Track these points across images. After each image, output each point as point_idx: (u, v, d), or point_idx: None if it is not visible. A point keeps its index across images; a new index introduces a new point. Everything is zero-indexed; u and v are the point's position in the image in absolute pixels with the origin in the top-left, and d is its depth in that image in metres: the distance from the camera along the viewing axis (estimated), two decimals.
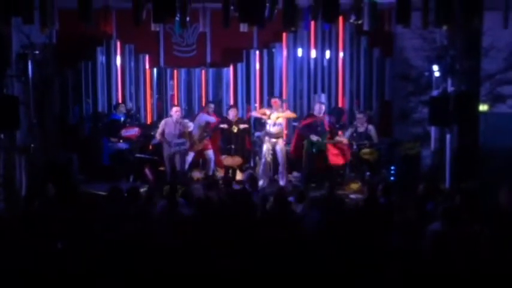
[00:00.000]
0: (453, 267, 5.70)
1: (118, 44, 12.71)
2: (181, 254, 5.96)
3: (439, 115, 10.29)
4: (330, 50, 12.69)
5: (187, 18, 9.42)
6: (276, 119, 11.40)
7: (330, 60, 12.74)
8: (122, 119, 12.13)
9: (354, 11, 9.36)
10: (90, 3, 8.92)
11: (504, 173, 9.56)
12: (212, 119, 11.82)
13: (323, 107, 11.58)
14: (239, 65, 12.85)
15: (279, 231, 6.56)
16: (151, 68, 12.95)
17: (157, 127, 11.83)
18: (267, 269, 5.56)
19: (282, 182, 11.32)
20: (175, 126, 11.27)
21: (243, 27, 9.72)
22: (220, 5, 9.41)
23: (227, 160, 11.76)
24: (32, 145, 10.55)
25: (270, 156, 11.45)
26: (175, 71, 12.92)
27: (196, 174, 11.70)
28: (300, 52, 12.72)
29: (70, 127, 12.51)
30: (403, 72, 12.41)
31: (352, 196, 10.55)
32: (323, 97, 12.41)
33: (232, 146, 11.69)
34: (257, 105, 12.81)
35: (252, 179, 9.57)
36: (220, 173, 11.87)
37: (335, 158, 11.32)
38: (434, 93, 11.10)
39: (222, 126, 11.77)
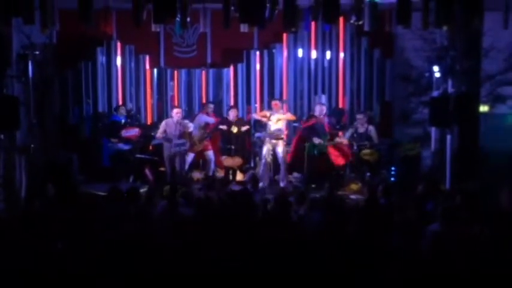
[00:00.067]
0: (452, 268, 5.69)
1: (118, 44, 12.72)
2: (182, 254, 5.96)
3: (439, 116, 10.30)
4: (331, 50, 12.70)
5: (188, 19, 9.42)
6: (277, 121, 11.40)
7: (330, 60, 12.74)
8: (123, 121, 12.14)
9: (354, 11, 9.35)
10: (91, 3, 8.92)
11: (504, 173, 9.56)
12: (211, 119, 11.82)
13: (324, 108, 11.59)
14: (239, 66, 12.85)
15: (279, 231, 6.55)
16: (151, 68, 12.95)
17: (157, 127, 11.84)
18: (268, 269, 5.55)
19: (282, 183, 11.33)
20: (175, 127, 11.27)
21: (244, 28, 9.72)
22: (221, 6, 9.40)
23: (227, 161, 11.77)
24: (32, 145, 10.54)
25: (270, 157, 11.45)
26: (175, 72, 12.93)
27: (196, 175, 11.70)
28: (300, 53, 12.73)
29: (70, 127, 12.51)
30: (403, 73, 12.41)
31: (353, 197, 10.54)
32: (323, 98, 12.41)
33: (232, 147, 11.70)
34: (257, 105, 12.81)
35: (254, 180, 9.60)
36: (220, 174, 11.88)
37: (336, 158, 11.32)
38: (435, 94, 11.10)
39: (221, 127, 11.78)
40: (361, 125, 11.50)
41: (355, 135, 11.47)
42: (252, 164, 12.43)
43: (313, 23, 12.01)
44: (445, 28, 9.75)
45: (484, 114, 10.89)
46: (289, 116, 11.82)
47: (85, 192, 10.57)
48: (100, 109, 12.68)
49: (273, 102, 11.66)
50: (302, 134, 11.56)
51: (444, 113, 10.20)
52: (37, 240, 6.34)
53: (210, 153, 11.77)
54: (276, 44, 12.76)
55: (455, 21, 9.27)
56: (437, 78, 11.14)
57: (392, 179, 11.39)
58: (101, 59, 12.66)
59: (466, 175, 9.98)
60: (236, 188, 10.77)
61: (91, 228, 6.96)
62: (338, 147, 11.35)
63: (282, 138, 11.49)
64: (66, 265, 5.74)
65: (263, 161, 11.49)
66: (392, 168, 11.54)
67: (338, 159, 11.31)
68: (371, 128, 11.51)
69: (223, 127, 11.75)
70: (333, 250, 6.03)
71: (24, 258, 5.82)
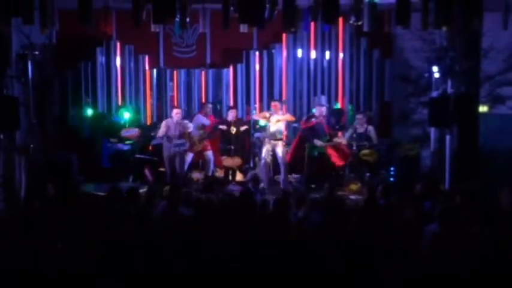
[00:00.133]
0: (452, 268, 5.70)
1: (118, 44, 12.72)
2: (182, 254, 5.96)
3: (438, 116, 10.30)
4: (330, 51, 12.70)
5: (187, 19, 9.42)
6: (276, 122, 11.40)
7: (329, 61, 12.74)
8: (122, 121, 12.15)
9: (353, 12, 9.35)
10: (90, 3, 8.92)
11: (504, 173, 9.57)
12: (206, 121, 11.79)
13: (323, 109, 11.58)
14: (239, 66, 12.85)
15: (279, 231, 6.56)
16: (151, 68, 12.96)
17: (157, 128, 11.85)
18: (268, 270, 5.56)
19: (282, 184, 11.33)
20: (175, 128, 11.27)
21: (243, 28, 9.72)
22: (220, 6, 9.40)
23: (227, 161, 11.77)
24: (32, 145, 10.54)
25: (270, 157, 11.45)
26: (175, 72, 12.93)
27: (196, 175, 11.70)
28: (299, 53, 12.73)
29: (70, 127, 12.51)
30: (402, 73, 12.41)
31: (352, 197, 10.54)
32: (323, 99, 12.39)
33: (232, 147, 11.70)
34: (257, 106, 12.81)
35: (255, 179, 9.63)
36: (220, 174, 11.89)
37: (335, 159, 11.33)
38: (434, 94, 11.11)
39: (221, 127, 11.78)
40: (361, 125, 11.51)
41: (354, 135, 11.48)
42: (252, 164, 12.43)
43: (312, 24, 12.01)
44: (444, 29, 9.76)
45: (484, 114, 10.89)
46: (289, 117, 11.81)
47: (85, 193, 10.57)
48: (100, 109, 12.67)
49: (273, 103, 11.65)
50: (302, 135, 11.56)
51: (444, 114, 10.20)
52: (37, 240, 6.34)
53: (209, 154, 11.77)
54: (276, 44, 12.76)
55: (454, 22, 9.27)
56: (436, 79, 11.14)
57: (391, 179, 11.40)
58: (101, 59, 12.66)
59: (466, 175, 9.98)
60: (236, 188, 10.82)
61: (91, 228, 6.96)
62: (337, 147, 11.35)
63: (281, 139, 11.49)
64: (66, 265, 5.74)
65: (263, 161, 11.49)
66: (392, 169, 11.55)
67: (337, 160, 11.32)
68: (370, 128, 11.52)
69: (223, 127, 11.75)
70: (333, 250, 6.03)
71: (24, 258, 5.83)
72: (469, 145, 10.30)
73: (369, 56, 12.60)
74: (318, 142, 11.21)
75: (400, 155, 11.56)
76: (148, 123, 12.90)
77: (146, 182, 11.44)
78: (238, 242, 6.24)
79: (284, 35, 12.64)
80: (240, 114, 12.54)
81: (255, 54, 12.80)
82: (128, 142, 11.92)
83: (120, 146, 11.86)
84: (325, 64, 12.78)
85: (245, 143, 12.10)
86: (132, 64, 12.84)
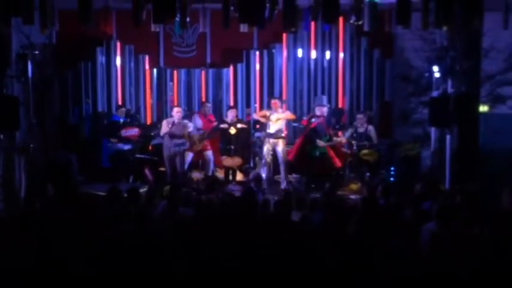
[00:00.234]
0: (451, 268, 5.70)
1: (118, 44, 12.72)
2: (182, 254, 5.96)
3: (439, 116, 10.30)
4: (330, 50, 12.69)
5: (187, 19, 9.42)
6: (276, 120, 11.40)
7: (330, 61, 12.74)
8: (121, 120, 12.15)
9: (354, 11, 9.35)
10: (90, 3, 8.91)
11: (504, 173, 9.56)
12: (199, 122, 11.73)
13: (324, 110, 11.57)
14: (239, 66, 12.85)
15: (279, 231, 6.55)
16: (151, 68, 12.95)
17: (157, 127, 11.85)
18: (268, 270, 5.55)
19: (282, 184, 11.32)
20: (175, 127, 11.25)
21: (243, 28, 9.72)
22: (220, 6, 9.39)
23: (227, 161, 11.76)
24: (32, 145, 10.53)
25: (270, 157, 11.45)
26: (175, 72, 12.93)
27: (196, 175, 11.70)
28: (300, 53, 12.72)
29: (70, 127, 12.51)
30: (403, 73, 12.41)
31: (352, 197, 10.54)
32: (324, 99, 12.37)
33: (232, 147, 11.69)
34: (257, 105, 12.81)
35: (258, 179, 9.64)
36: (220, 174, 11.88)
37: (334, 160, 11.34)
38: (435, 94, 11.10)
39: (222, 126, 11.77)
40: (361, 124, 11.51)
41: (354, 135, 11.48)
42: (252, 164, 12.42)
43: (312, 23, 11.98)
44: (444, 28, 9.75)
45: (484, 114, 10.88)
46: (289, 115, 11.81)
47: (84, 192, 10.56)
48: (100, 109, 12.67)
49: (272, 101, 11.65)
50: (307, 136, 11.48)
51: (444, 113, 10.20)
52: (37, 240, 6.34)
53: (209, 153, 11.76)
54: (276, 44, 12.75)
55: (455, 22, 9.26)
56: (437, 79, 11.14)
57: (391, 179, 11.39)
58: (101, 59, 12.66)
59: (466, 175, 9.98)
60: (236, 188, 10.82)
61: (91, 228, 6.95)
62: (335, 148, 11.36)
63: (282, 137, 11.49)
64: (66, 265, 5.73)
65: (263, 161, 11.49)
66: (392, 168, 11.54)
67: (336, 161, 11.33)
68: (370, 128, 11.52)
69: (224, 126, 11.74)
70: (333, 250, 6.03)
71: (23, 258, 5.82)
72: (469, 145, 10.29)
73: (369, 55, 12.59)
74: (320, 143, 11.22)
75: (400, 154, 11.56)
76: (148, 123, 12.89)
77: (146, 181, 11.42)
78: (239, 242, 6.24)
79: (284, 35, 12.63)
80: (240, 114, 12.53)
81: (255, 54, 12.80)
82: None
83: (120, 145, 11.85)
84: (326, 64, 12.77)
85: (245, 143, 12.08)
86: (132, 64, 12.84)
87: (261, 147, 11.75)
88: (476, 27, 9.51)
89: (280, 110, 11.56)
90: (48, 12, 9.03)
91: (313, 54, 12.72)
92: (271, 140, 11.41)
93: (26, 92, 10.66)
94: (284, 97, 12.63)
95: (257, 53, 12.80)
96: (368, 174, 11.45)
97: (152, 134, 12.14)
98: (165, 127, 11.23)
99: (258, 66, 12.84)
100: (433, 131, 11.61)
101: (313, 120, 11.42)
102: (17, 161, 10.25)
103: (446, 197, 8.67)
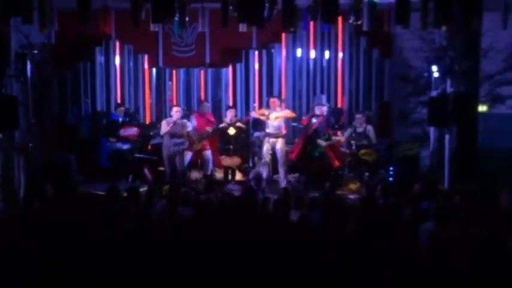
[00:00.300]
0: (450, 268, 5.70)
1: (117, 44, 12.72)
2: (181, 254, 5.96)
3: (438, 116, 10.30)
4: (329, 50, 12.70)
5: (186, 18, 9.40)
6: (275, 118, 11.40)
7: (329, 60, 12.74)
8: (121, 119, 12.14)
9: (353, 11, 9.34)
10: (89, 3, 8.90)
11: (503, 173, 9.57)
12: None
13: (323, 109, 11.57)
14: (238, 65, 12.85)
15: (279, 231, 6.55)
16: (150, 68, 12.95)
17: (156, 127, 11.85)
18: (268, 269, 5.56)
19: (282, 183, 11.32)
20: (175, 126, 11.25)
21: (242, 28, 9.72)
22: (219, 5, 9.39)
23: (226, 160, 11.76)
24: (31, 145, 10.52)
25: (269, 156, 11.46)
26: (174, 71, 12.92)
27: (195, 175, 11.70)
28: (299, 52, 12.72)
29: (69, 127, 12.50)
30: (402, 73, 12.41)
31: (351, 196, 10.54)
32: (323, 98, 12.39)
33: (231, 147, 11.68)
34: (256, 105, 12.80)
35: (258, 178, 9.66)
36: (219, 174, 11.88)
37: (333, 160, 11.36)
38: (434, 93, 11.10)
39: (221, 126, 11.78)
40: (360, 124, 11.51)
41: (353, 134, 11.49)
42: (251, 164, 12.42)
43: (312, 23, 12.00)
44: (444, 28, 9.77)
45: (483, 114, 10.89)
46: (288, 113, 11.81)
47: (84, 192, 10.56)
48: (99, 109, 12.67)
49: (271, 100, 11.66)
50: (309, 136, 11.46)
51: (443, 113, 10.20)
52: (36, 240, 6.34)
53: (208, 153, 11.76)
54: (275, 44, 12.76)
55: (454, 22, 9.27)
56: (436, 78, 11.13)
57: (390, 179, 11.40)
58: (100, 58, 12.65)
59: (465, 175, 9.98)
60: (235, 187, 10.81)
61: (90, 228, 6.96)
62: (334, 148, 11.36)
63: (281, 136, 11.49)
64: (66, 265, 5.73)
65: (262, 160, 11.49)
66: (391, 168, 11.53)
67: (334, 161, 11.33)
68: (369, 127, 11.53)
69: (224, 125, 11.74)
70: (333, 250, 6.03)
71: (23, 258, 5.82)
72: (469, 145, 10.29)
73: (369, 55, 12.60)
74: (322, 143, 11.24)
75: (399, 154, 11.56)
76: (147, 122, 12.89)
77: (146, 181, 11.43)
78: (238, 242, 6.24)
79: (283, 35, 12.63)
80: (239, 114, 12.53)
81: (254, 54, 12.80)
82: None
83: (119, 145, 11.85)
84: (325, 64, 12.77)
85: (244, 143, 12.08)
86: (131, 63, 12.84)
87: (260, 146, 11.76)
88: (475, 27, 9.52)
89: (278, 109, 11.56)
90: (47, 12, 9.03)
91: (312, 54, 12.72)
92: (271, 140, 11.42)
93: (25, 92, 10.65)
94: (283, 97, 12.63)
95: (256, 52, 12.80)
96: (367, 174, 11.46)
97: (151, 133, 12.14)
98: (164, 127, 11.22)
99: (257, 66, 12.84)
100: (432, 131, 11.61)
101: (313, 119, 11.43)
102: (16, 161, 10.23)
103: (445, 197, 8.68)
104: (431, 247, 6.42)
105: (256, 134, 12.11)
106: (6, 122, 9.48)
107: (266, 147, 11.43)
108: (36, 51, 10.84)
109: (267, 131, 11.47)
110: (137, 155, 11.91)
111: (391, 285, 5.43)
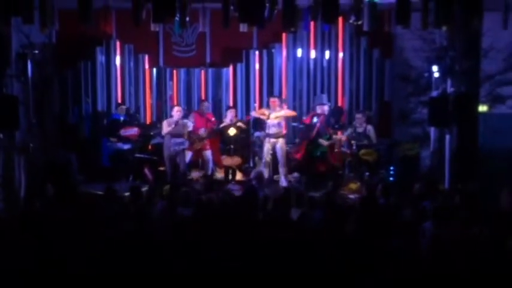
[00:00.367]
0: (451, 267, 5.70)
1: (118, 44, 12.71)
2: (181, 254, 5.96)
3: (438, 116, 10.30)
4: (330, 50, 12.69)
5: (187, 18, 9.42)
6: (275, 118, 11.41)
7: (329, 60, 12.73)
8: (122, 118, 12.15)
9: (353, 11, 9.35)
10: (90, 3, 8.91)
11: (503, 173, 9.57)
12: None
13: (325, 108, 11.58)
14: (239, 65, 12.85)
15: (279, 231, 6.56)
16: (150, 67, 12.95)
17: (156, 127, 11.85)
18: (268, 269, 5.56)
19: (282, 183, 11.33)
20: (176, 126, 11.25)
21: (243, 28, 9.72)
22: (220, 5, 9.40)
23: (226, 160, 11.77)
24: (31, 145, 10.54)
25: (270, 156, 11.46)
26: (174, 71, 12.92)
27: (195, 174, 11.70)
28: (299, 52, 12.72)
29: (69, 127, 12.51)
30: (402, 73, 12.41)
31: (351, 196, 10.55)
32: (324, 98, 12.39)
33: (231, 147, 11.69)
34: (256, 105, 12.80)
35: (260, 177, 9.66)
36: (220, 173, 11.89)
37: (332, 159, 11.37)
38: (434, 94, 11.11)
39: (221, 126, 11.78)
40: (360, 124, 11.52)
41: (354, 134, 11.49)
42: (252, 164, 12.43)
43: (312, 23, 11.98)
44: (444, 28, 9.77)
45: (483, 114, 10.89)
46: (288, 112, 11.82)
47: (84, 192, 10.57)
48: (99, 108, 12.67)
49: (271, 99, 11.66)
50: (313, 136, 11.47)
51: (443, 113, 10.21)
52: (36, 240, 6.34)
53: (208, 153, 11.77)
54: (275, 44, 12.75)
55: (454, 22, 9.28)
56: (436, 78, 11.14)
57: (391, 178, 11.40)
58: (100, 58, 12.65)
59: (465, 175, 9.99)
60: (235, 187, 10.82)
61: (90, 228, 6.96)
62: (333, 147, 11.38)
63: (281, 136, 11.49)
64: (66, 265, 5.74)
65: (263, 160, 11.50)
66: (391, 168, 11.54)
67: (333, 160, 11.35)
68: (370, 127, 11.53)
69: (224, 125, 11.74)
70: (333, 250, 6.04)
71: (23, 258, 5.83)
72: (469, 145, 10.30)
73: (369, 55, 12.59)
74: (324, 143, 11.25)
75: (399, 154, 11.56)
76: (148, 122, 12.89)
77: (146, 181, 11.43)
78: (238, 242, 6.25)
79: (284, 35, 12.63)
80: (239, 114, 12.53)
81: (254, 54, 12.80)
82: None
83: (119, 145, 11.85)
84: (325, 64, 12.77)
85: (245, 143, 12.08)
86: (131, 63, 12.84)
87: (260, 146, 11.76)
88: (475, 27, 9.52)
89: (278, 109, 11.56)
90: (48, 11, 9.04)
91: (313, 54, 12.72)
92: (271, 140, 11.43)
93: (26, 92, 10.67)
94: (284, 97, 12.63)
95: (257, 52, 12.80)
96: (367, 173, 11.45)
97: (152, 133, 12.14)
98: (166, 127, 11.23)
99: (257, 66, 12.84)
100: (432, 131, 11.61)
101: (315, 118, 11.44)
102: (16, 161, 10.25)
103: (445, 196, 8.68)
104: (431, 247, 6.43)
105: (257, 134, 12.11)
106: (7, 122, 9.49)
107: (266, 147, 11.44)
108: (36, 51, 10.87)
109: (267, 131, 11.47)
110: (138, 155, 11.91)
111: (391, 285, 5.44)
